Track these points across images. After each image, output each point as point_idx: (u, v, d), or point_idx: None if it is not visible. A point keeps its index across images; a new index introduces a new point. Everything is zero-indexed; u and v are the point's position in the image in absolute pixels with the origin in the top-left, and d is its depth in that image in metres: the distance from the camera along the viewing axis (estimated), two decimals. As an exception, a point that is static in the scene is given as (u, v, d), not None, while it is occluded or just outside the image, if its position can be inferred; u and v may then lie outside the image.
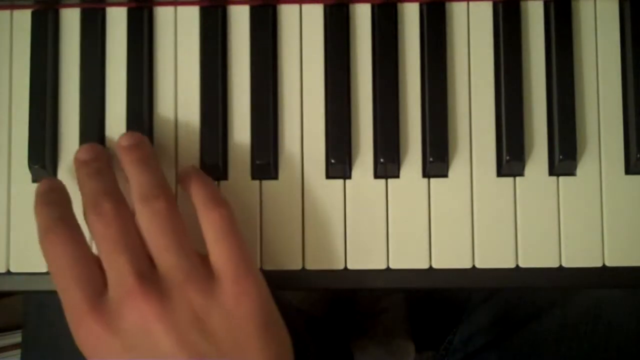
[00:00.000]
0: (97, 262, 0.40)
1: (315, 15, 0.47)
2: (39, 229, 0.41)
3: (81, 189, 0.42)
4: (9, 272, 0.46)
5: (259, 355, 0.39)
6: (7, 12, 0.47)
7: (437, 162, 0.45)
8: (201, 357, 0.38)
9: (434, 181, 0.46)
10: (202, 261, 0.40)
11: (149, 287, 0.39)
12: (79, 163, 0.43)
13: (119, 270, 0.39)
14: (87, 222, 0.41)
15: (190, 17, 0.47)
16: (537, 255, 0.45)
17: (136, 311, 0.38)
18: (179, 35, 0.47)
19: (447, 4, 0.46)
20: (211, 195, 0.42)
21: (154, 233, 0.40)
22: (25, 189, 0.46)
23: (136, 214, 0.41)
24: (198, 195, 0.42)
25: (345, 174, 0.46)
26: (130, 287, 0.39)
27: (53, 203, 0.42)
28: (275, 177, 0.46)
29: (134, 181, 0.42)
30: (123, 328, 0.38)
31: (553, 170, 0.46)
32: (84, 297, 0.39)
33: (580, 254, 0.45)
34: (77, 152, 0.44)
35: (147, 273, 0.39)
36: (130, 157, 0.43)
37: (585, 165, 0.46)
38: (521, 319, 0.59)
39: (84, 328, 0.39)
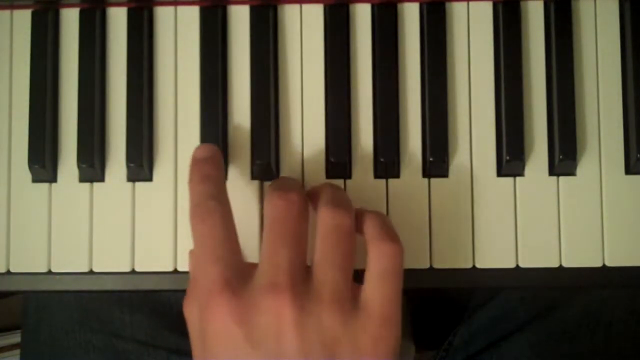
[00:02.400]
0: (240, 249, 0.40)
1: (315, 15, 0.47)
2: (190, 203, 0.41)
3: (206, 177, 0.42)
4: (9, 272, 0.46)
5: None
6: (7, 12, 0.47)
7: (437, 161, 0.45)
8: None
9: (434, 181, 0.46)
10: (355, 289, 0.39)
11: (298, 293, 0.37)
12: (195, 161, 0.43)
13: (276, 263, 0.38)
14: (267, 196, 0.41)
15: (190, 17, 0.47)
16: (537, 255, 0.45)
17: (276, 310, 0.37)
18: (179, 35, 0.47)
19: (447, 4, 0.46)
20: (388, 225, 0.41)
21: (327, 244, 0.39)
22: (25, 189, 0.46)
23: (317, 216, 0.40)
24: (375, 223, 0.41)
25: (346, 174, 0.46)
26: (281, 285, 0.37)
27: (207, 178, 0.41)
28: (276, 177, 0.46)
29: (327, 187, 0.42)
30: (254, 321, 0.37)
31: (553, 170, 0.46)
32: (221, 275, 0.38)
33: (580, 254, 0.45)
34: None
35: (301, 279, 0.38)
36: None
37: (585, 165, 0.46)
38: (521, 320, 0.59)
39: (212, 308, 0.38)
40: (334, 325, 0.37)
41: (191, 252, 0.43)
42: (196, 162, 0.43)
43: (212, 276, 0.38)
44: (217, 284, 0.38)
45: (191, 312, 0.40)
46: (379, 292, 0.39)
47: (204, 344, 0.39)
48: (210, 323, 0.38)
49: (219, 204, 0.41)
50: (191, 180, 0.42)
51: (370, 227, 0.41)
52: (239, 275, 0.39)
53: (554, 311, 0.58)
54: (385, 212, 0.45)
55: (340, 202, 0.41)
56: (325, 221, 0.40)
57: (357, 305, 0.39)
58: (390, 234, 0.40)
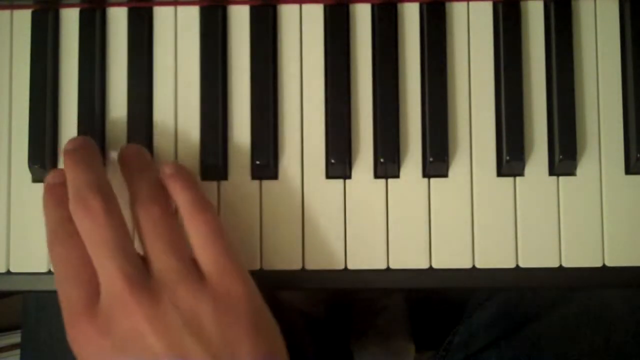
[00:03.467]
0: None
1: (315, 15, 0.47)
2: (46, 229, 0.42)
3: (68, 179, 0.42)
4: (9, 272, 0.46)
5: (249, 354, 0.38)
6: (7, 12, 0.47)
7: (437, 162, 0.45)
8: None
9: (434, 181, 0.46)
10: (194, 263, 0.40)
11: (140, 292, 0.39)
12: (65, 152, 0.43)
13: (109, 275, 0.39)
14: (72, 214, 0.41)
15: (190, 17, 0.47)
16: (537, 255, 0.45)
17: (126, 315, 0.38)
18: (179, 35, 0.47)
19: (447, 4, 0.46)
20: (196, 198, 0.42)
21: (149, 236, 0.40)
22: (25, 189, 0.46)
23: (132, 214, 0.41)
24: (182, 198, 0.42)
25: (345, 174, 0.46)
26: (120, 292, 0.39)
27: (58, 202, 0.42)
28: (275, 177, 0.46)
29: (130, 184, 0.42)
30: (114, 331, 0.38)
31: (553, 170, 0.46)
32: (78, 298, 0.39)
33: (580, 254, 0.45)
34: (66, 144, 0.43)
35: (138, 276, 0.39)
36: (126, 162, 0.43)
37: (585, 165, 0.46)
38: (521, 319, 0.59)
39: (77, 328, 0.39)
40: (186, 302, 0.39)
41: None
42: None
43: (69, 300, 0.40)
44: (75, 307, 0.40)
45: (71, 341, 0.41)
46: (209, 256, 0.40)
47: None
48: (77, 341, 0.40)
49: (71, 231, 0.41)
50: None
51: (180, 199, 0.42)
52: (90, 292, 0.40)
53: (554, 310, 0.58)
54: (385, 212, 0.45)
55: (145, 192, 0.41)
56: (137, 216, 0.41)
57: (201, 274, 0.40)
58: (198, 205, 0.41)
